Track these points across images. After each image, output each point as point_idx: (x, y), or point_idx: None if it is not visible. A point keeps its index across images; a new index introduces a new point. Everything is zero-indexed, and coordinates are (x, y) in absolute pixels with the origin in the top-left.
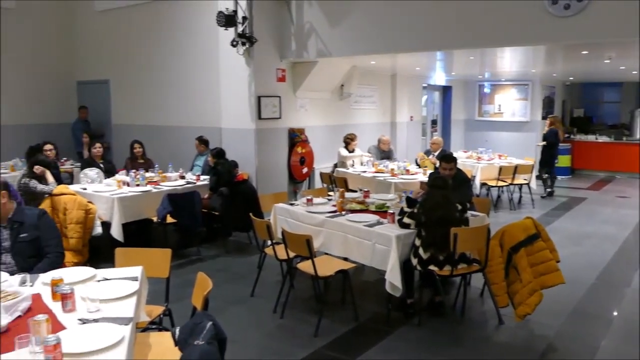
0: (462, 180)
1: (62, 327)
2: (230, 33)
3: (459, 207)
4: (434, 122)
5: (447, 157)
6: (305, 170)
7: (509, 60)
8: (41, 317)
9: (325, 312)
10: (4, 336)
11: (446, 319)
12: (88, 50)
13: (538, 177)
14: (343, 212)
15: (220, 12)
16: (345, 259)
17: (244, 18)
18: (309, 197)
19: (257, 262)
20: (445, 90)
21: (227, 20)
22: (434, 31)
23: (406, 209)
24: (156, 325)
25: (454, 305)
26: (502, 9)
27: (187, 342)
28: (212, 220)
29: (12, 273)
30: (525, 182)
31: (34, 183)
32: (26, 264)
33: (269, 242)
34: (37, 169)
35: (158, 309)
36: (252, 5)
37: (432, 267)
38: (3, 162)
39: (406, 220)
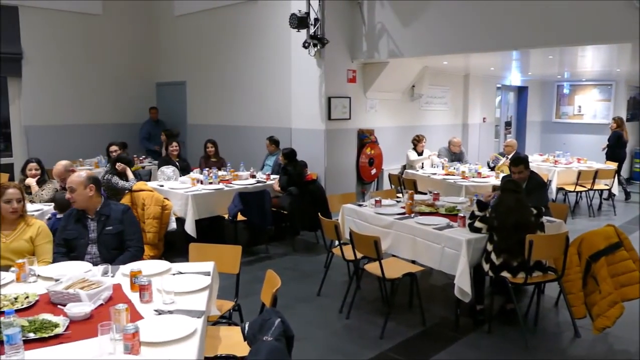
0: (537, 184)
1: (140, 317)
2: (302, 35)
3: (534, 211)
4: (507, 124)
5: (514, 160)
6: (373, 171)
7: (591, 59)
8: (121, 306)
9: (392, 315)
10: (88, 322)
11: (518, 328)
12: (166, 53)
13: (620, 183)
14: (412, 215)
15: (293, 14)
16: (413, 262)
17: (316, 19)
18: (378, 199)
19: (324, 262)
20: (521, 91)
21: (300, 22)
22: (511, 30)
23: (477, 213)
24: (226, 319)
25: (526, 314)
26: (586, 6)
27: (256, 337)
28: (281, 219)
29: (95, 263)
30: (607, 187)
31: (115, 179)
32: (109, 255)
33: (337, 242)
34: (119, 166)
35: (228, 304)
36: (324, 7)
37: (504, 274)
38: (87, 159)
39: (477, 224)
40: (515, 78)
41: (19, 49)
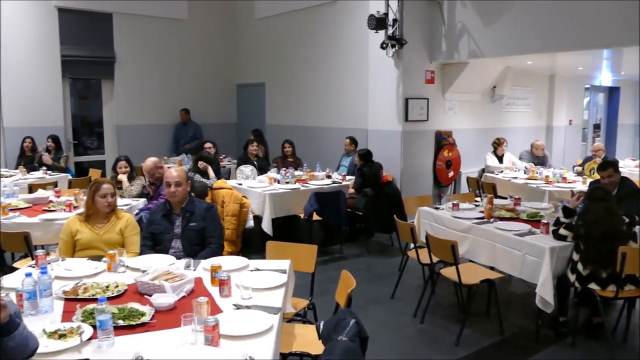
0: (631, 190)
1: (219, 310)
2: (380, 35)
3: (626, 219)
4: (596, 127)
5: (602, 164)
6: (451, 174)
7: None
8: (202, 299)
9: (468, 322)
10: (172, 312)
11: (604, 343)
12: (247, 55)
13: None
14: (491, 219)
15: (372, 15)
16: (492, 268)
17: (394, 20)
18: (455, 202)
19: (398, 264)
20: (612, 92)
21: (378, 22)
22: (601, 27)
23: (563, 220)
24: (301, 317)
25: (615, 329)
26: None
27: (331, 336)
28: (356, 220)
29: (178, 257)
30: None
31: (197, 177)
32: (191, 250)
33: (412, 245)
34: (201, 164)
35: (303, 302)
36: (403, 7)
37: (592, 286)
38: (172, 157)
39: (562, 231)
40: (606, 78)
41: (112, 53)
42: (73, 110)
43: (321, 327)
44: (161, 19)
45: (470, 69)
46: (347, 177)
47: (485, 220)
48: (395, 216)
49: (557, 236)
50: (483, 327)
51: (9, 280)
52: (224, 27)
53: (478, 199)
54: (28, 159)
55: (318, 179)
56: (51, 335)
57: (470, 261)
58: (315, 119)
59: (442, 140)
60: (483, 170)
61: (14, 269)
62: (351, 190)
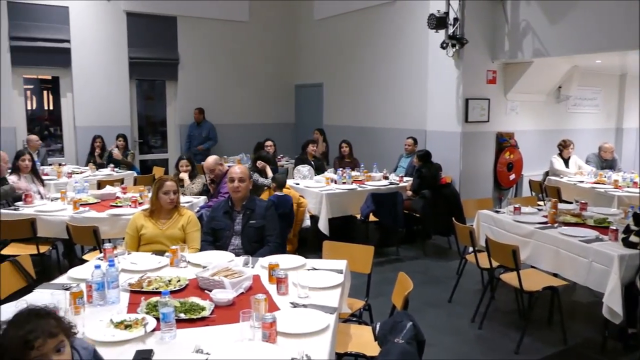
0: None
1: (277, 308)
2: (440, 35)
3: None
4: None
5: None
6: (512, 176)
7: None
8: (261, 296)
9: (529, 329)
10: (230, 308)
11: None
12: (306, 56)
13: None
14: (555, 224)
15: (432, 14)
16: (555, 275)
17: (455, 19)
18: (517, 206)
19: (456, 268)
20: None
21: (438, 22)
22: None
23: (633, 227)
24: (356, 318)
25: None
26: None
27: (387, 338)
28: (413, 222)
29: (237, 254)
30: None
31: (256, 176)
32: (250, 247)
33: (471, 249)
34: (259, 163)
35: (359, 303)
36: (464, 6)
37: None
38: (231, 156)
39: (634, 238)
40: None
41: (176, 54)
42: (138, 110)
43: (377, 328)
44: (223, 21)
45: (534, 69)
46: (405, 179)
47: (549, 225)
48: (453, 219)
49: (627, 244)
50: (545, 335)
51: (79, 271)
52: (283, 28)
53: (541, 203)
54: (97, 157)
55: (375, 179)
56: (118, 325)
57: (532, 267)
58: (372, 120)
59: (504, 142)
60: (547, 174)
61: (84, 261)
62: (409, 192)
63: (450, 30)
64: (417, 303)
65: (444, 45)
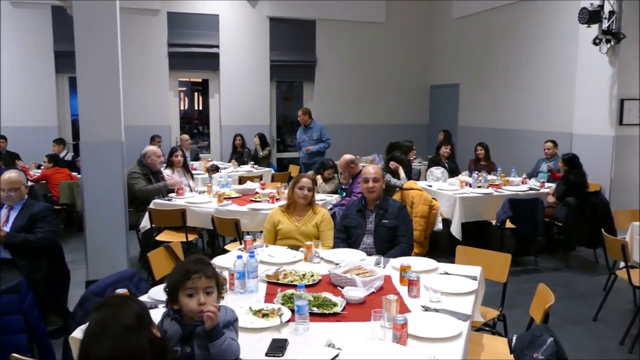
0: None
1: (407, 310)
2: (592, 30)
3: None
4: None
5: None
6: None
7: None
8: (392, 297)
9: None
10: (361, 306)
11: None
12: (442, 56)
13: None
14: None
15: (584, 8)
16: None
17: (611, 12)
18: None
19: (603, 284)
20: None
21: (591, 16)
22: None
23: None
24: (489, 327)
25: None
26: None
27: (524, 352)
28: (554, 231)
29: (368, 253)
30: None
31: (388, 177)
32: (382, 247)
33: (622, 264)
34: (392, 164)
35: (492, 312)
36: None
37: None
38: (364, 156)
39: None
40: None
41: (314, 57)
42: (277, 111)
43: (514, 340)
44: (360, 23)
45: None
46: (546, 184)
47: None
48: (602, 230)
49: None
50: None
51: (221, 260)
52: (419, 28)
53: None
54: (239, 154)
55: (513, 184)
56: (256, 313)
57: None
58: (511, 121)
59: None
60: None
61: (225, 251)
62: (551, 199)
63: (605, 24)
64: (557, 318)
65: (597, 41)
